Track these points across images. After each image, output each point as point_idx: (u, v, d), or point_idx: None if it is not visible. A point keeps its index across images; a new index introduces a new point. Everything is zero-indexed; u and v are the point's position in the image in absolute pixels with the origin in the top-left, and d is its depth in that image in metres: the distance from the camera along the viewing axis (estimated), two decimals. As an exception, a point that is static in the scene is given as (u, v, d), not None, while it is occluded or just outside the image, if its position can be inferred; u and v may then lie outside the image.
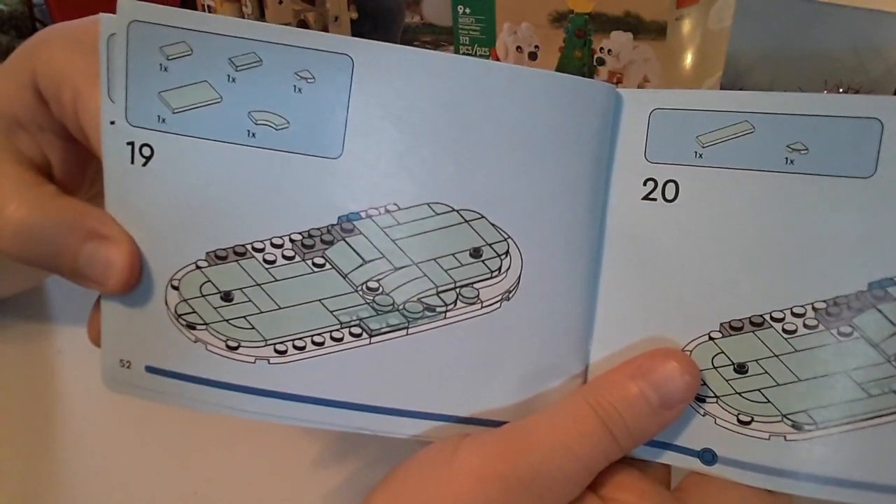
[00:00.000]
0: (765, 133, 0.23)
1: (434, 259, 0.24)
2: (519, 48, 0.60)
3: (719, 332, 0.23)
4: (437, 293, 0.24)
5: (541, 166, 0.24)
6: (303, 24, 0.73)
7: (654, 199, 0.24)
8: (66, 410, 0.39)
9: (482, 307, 0.24)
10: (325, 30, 0.73)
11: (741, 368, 0.23)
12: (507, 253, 0.24)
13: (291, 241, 0.24)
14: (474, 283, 0.24)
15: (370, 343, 0.24)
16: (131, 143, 0.23)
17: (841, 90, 0.68)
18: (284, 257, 0.24)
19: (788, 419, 0.23)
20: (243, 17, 0.72)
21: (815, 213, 0.22)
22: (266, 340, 0.24)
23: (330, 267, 0.24)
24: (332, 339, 0.24)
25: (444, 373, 0.24)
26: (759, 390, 0.23)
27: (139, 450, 0.37)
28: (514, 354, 0.25)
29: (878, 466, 0.22)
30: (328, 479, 0.34)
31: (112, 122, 0.23)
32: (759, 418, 0.23)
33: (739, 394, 0.23)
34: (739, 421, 0.23)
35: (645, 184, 0.24)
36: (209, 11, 0.75)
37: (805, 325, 0.22)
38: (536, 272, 0.24)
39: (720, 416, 0.23)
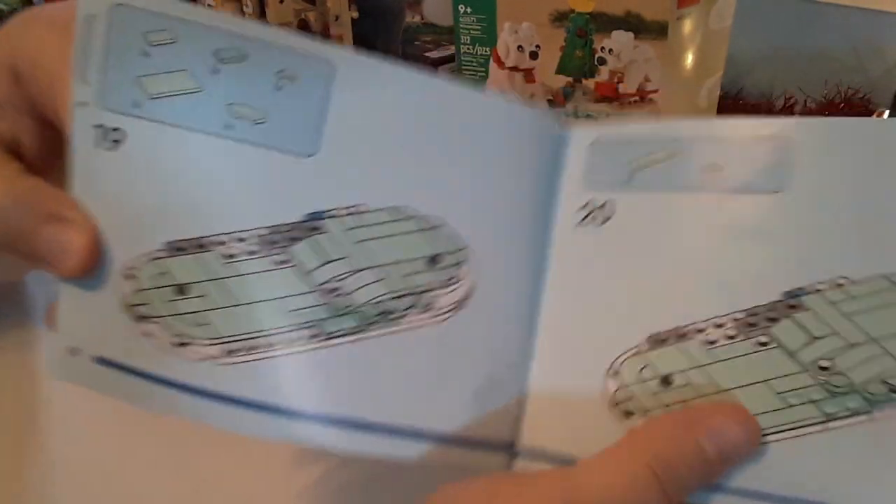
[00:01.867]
0: (686, 156, 0.24)
1: (395, 263, 0.24)
2: (520, 47, 0.60)
3: (646, 344, 0.24)
4: (394, 298, 0.24)
5: (493, 185, 0.25)
6: (304, 24, 0.73)
7: (590, 223, 0.25)
8: (67, 410, 0.39)
9: (435, 316, 0.24)
10: (326, 29, 0.73)
11: (667, 380, 0.23)
12: (462, 263, 0.24)
13: (259, 236, 0.23)
14: (430, 290, 0.24)
15: (324, 346, 0.24)
16: (100, 126, 0.23)
17: (841, 90, 0.68)
18: (247, 252, 0.23)
19: None
20: (244, 16, 0.72)
21: (730, 229, 0.23)
22: (218, 338, 0.23)
23: (292, 264, 0.24)
24: (286, 340, 0.23)
25: (395, 381, 0.24)
26: (683, 402, 0.23)
27: (139, 450, 0.37)
28: (462, 368, 0.25)
29: (798, 479, 0.22)
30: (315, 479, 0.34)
31: (83, 104, 0.23)
32: None
33: (667, 406, 0.23)
34: None
35: (582, 208, 0.25)
36: (210, 10, 0.75)
37: (726, 336, 0.23)
38: (488, 286, 0.25)
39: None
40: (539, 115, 0.25)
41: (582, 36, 0.61)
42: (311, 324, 0.24)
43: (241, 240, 0.23)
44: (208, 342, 0.23)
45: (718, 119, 0.24)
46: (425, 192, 0.24)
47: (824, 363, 0.22)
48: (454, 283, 0.24)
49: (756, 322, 0.23)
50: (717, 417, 0.22)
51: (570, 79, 0.58)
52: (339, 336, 0.24)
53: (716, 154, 0.24)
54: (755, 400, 0.22)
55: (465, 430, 0.24)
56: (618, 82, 0.56)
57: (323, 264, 0.24)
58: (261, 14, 0.71)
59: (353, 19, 0.74)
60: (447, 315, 0.25)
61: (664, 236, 0.24)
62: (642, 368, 0.24)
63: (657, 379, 0.24)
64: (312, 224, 0.24)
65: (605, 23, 0.59)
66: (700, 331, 0.23)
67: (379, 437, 0.24)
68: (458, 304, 0.25)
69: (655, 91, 0.55)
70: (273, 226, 0.23)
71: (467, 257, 0.25)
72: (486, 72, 0.63)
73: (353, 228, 0.24)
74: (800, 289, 0.22)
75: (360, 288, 0.24)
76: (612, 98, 0.56)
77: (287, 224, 0.23)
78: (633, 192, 0.25)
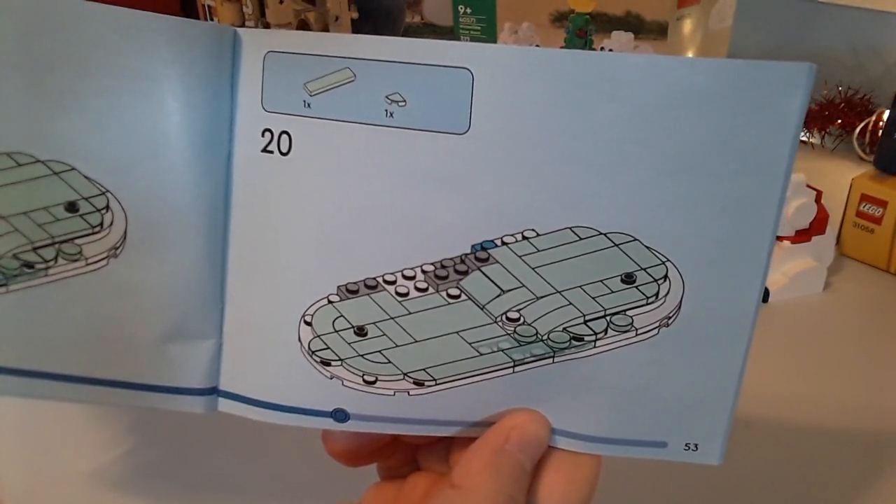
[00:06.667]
0: (365, 82, 0.21)
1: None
2: (520, 48, 0.60)
3: (337, 295, 0.23)
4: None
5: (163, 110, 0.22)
6: (303, 24, 0.73)
7: (272, 152, 0.23)
8: (66, 411, 0.39)
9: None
10: (326, 30, 0.73)
11: (361, 331, 0.23)
12: (106, 208, 0.23)
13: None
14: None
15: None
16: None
17: (841, 90, 0.68)
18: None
19: (410, 377, 0.23)
20: (244, 17, 0.72)
21: (416, 172, 0.22)
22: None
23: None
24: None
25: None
26: (379, 352, 0.23)
27: (139, 450, 0.37)
28: (132, 312, 0.23)
29: (489, 415, 0.23)
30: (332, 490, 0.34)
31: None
32: (384, 378, 0.23)
33: (362, 356, 0.23)
34: (365, 381, 0.23)
35: (263, 134, 0.23)
36: (209, 11, 0.75)
37: (416, 288, 0.23)
38: (142, 228, 0.23)
39: (347, 378, 0.24)
40: (197, 25, 0.22)
41: (582, 36, 0.61)
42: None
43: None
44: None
45: (399, 40, 0.21)
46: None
47: (513, 315, 0.23)
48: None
49: (446, 275, 0.22)
50: (516, 429, 0.23)
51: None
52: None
53: (397, 83, 0.21)
54: (447, 349, 0.23)
55: (151, 378, 0.24)
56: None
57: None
58: (261, 14, 0.71)
59: (352, 20, 0.74)
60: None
61: (348, 176, 0.22)
62: (335, 319, 0.23)
63: (351, 329, 0.23)
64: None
65: (605, 23, 0.59)
66: (390, 282, 0.23)
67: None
68: (112, 251, 0.23)
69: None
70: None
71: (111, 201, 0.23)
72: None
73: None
74: (488, 241, 0.22)
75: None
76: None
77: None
78: (314, 120, 0.22)
